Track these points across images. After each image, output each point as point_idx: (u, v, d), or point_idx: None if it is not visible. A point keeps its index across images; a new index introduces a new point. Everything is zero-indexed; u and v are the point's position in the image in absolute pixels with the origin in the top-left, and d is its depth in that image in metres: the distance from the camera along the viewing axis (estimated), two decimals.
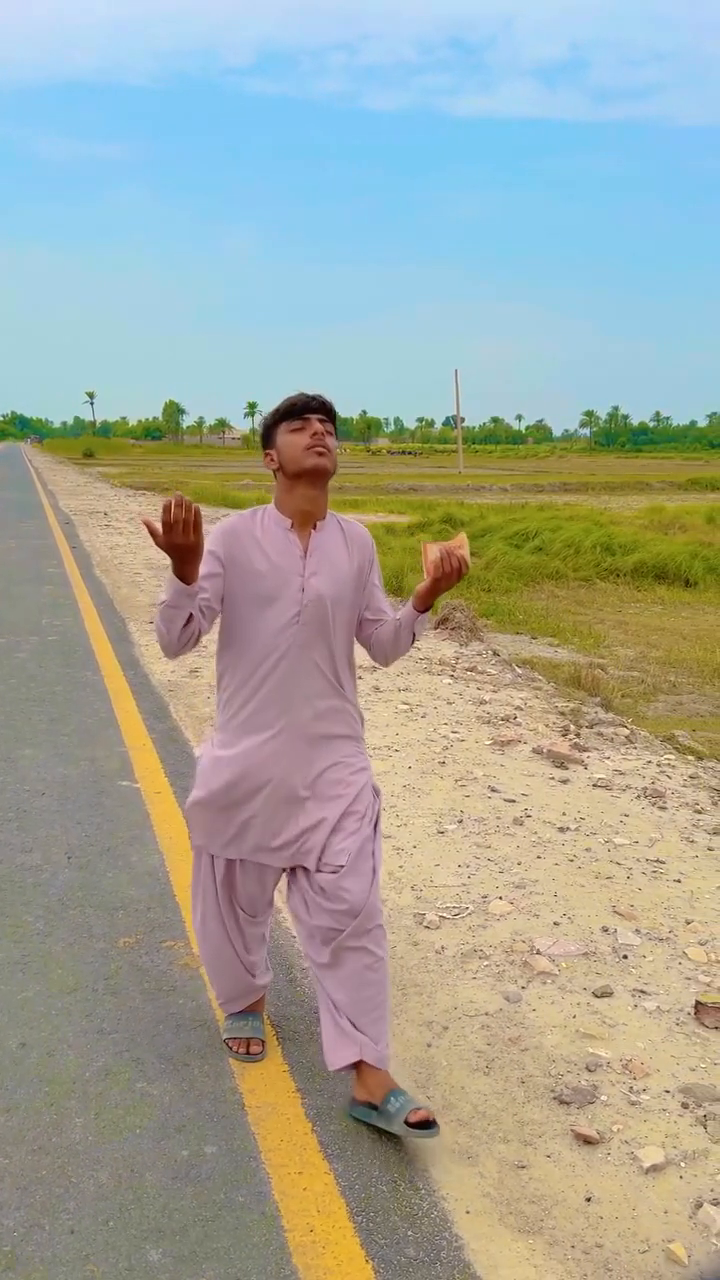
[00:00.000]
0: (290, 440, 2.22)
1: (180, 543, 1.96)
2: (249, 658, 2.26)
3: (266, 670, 2.25)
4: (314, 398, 2.24)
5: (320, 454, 2.20)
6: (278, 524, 2.27)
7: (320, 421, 2.22)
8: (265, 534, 2.26)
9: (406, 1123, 2.12)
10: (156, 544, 1.96)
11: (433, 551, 2.20)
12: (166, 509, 1.92)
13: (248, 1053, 2.50)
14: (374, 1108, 2.22)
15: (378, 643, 2.40)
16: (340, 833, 2.27)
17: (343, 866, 2.23)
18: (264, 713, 2.26)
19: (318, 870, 2.27)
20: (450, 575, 2.20)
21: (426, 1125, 2.12)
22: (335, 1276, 1.86)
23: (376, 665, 2.41)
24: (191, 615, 2.10)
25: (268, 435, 2.29)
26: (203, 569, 2.14)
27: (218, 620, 2.30)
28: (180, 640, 2.13)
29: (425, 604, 2.29)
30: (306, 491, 2.24)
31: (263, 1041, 2.55)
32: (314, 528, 2.28)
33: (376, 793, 2.39)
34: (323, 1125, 2.29)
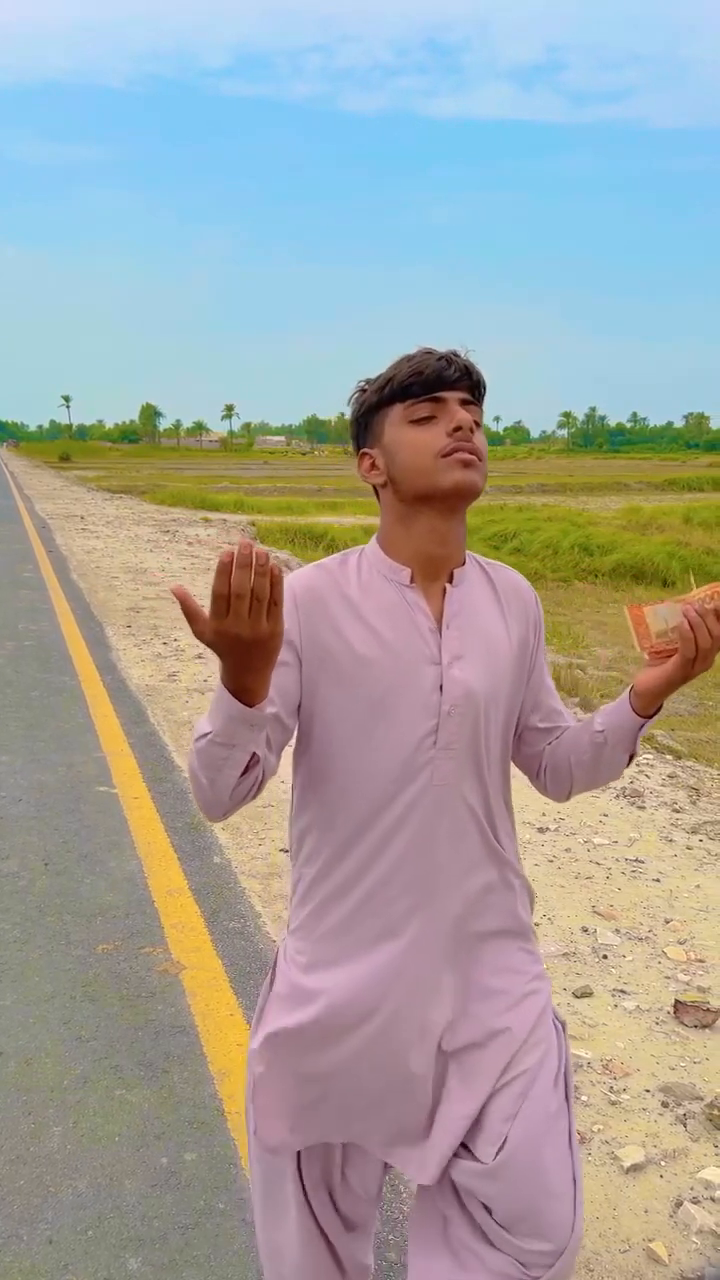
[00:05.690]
0: (413, 438, 1.26)
1: (242, 634, 1.03)
2: (350, 812, 1.31)
3: (384, 833, 1.30)
4: (451, 360, 1.27)
5: (467, 463, 1.25)
6: (388, 576, 1.33)
7: (462, 404, 1.28)
8: (367, 594, 1.32)
9: None
10: (196, 634, 1.05)
11: (669, 616, 1.28)
12: (224, 569, 1.00)
13: None
14: None
15: (556, 766, 1.44)
16: (504, 1096, 1.31)
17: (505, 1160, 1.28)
18: (381, 908, 1.31)
19: (467, 1155, 1.32)
20: (709, 652, 1.26)
21: None
22: None
23: (549, 799, 1.53)
24: (255, 756, 1.19)
25: (365, 425, 1.34)
26: None
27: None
28: (234, 797, 1.20)
29: (654, 703, 1.33)
30: (437, 524, 1.30)
31: None
32: (449, 580, 1.35)
33: (560, 1027, 1.40)
34: None
